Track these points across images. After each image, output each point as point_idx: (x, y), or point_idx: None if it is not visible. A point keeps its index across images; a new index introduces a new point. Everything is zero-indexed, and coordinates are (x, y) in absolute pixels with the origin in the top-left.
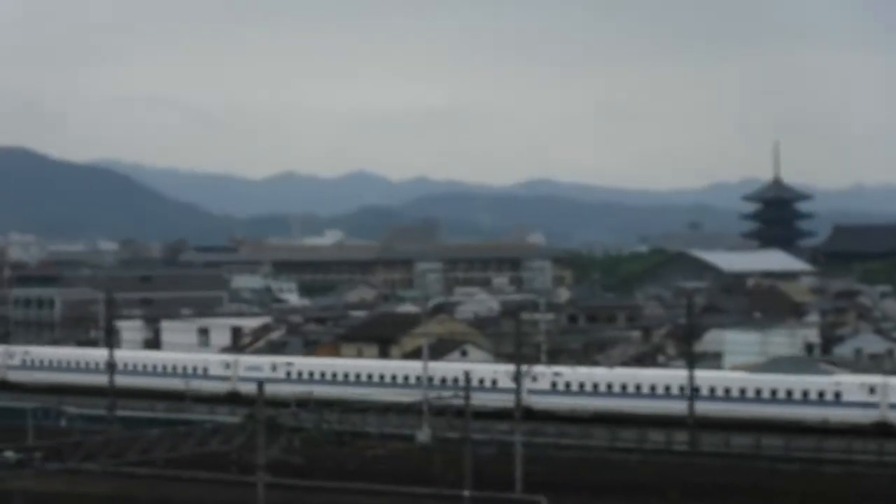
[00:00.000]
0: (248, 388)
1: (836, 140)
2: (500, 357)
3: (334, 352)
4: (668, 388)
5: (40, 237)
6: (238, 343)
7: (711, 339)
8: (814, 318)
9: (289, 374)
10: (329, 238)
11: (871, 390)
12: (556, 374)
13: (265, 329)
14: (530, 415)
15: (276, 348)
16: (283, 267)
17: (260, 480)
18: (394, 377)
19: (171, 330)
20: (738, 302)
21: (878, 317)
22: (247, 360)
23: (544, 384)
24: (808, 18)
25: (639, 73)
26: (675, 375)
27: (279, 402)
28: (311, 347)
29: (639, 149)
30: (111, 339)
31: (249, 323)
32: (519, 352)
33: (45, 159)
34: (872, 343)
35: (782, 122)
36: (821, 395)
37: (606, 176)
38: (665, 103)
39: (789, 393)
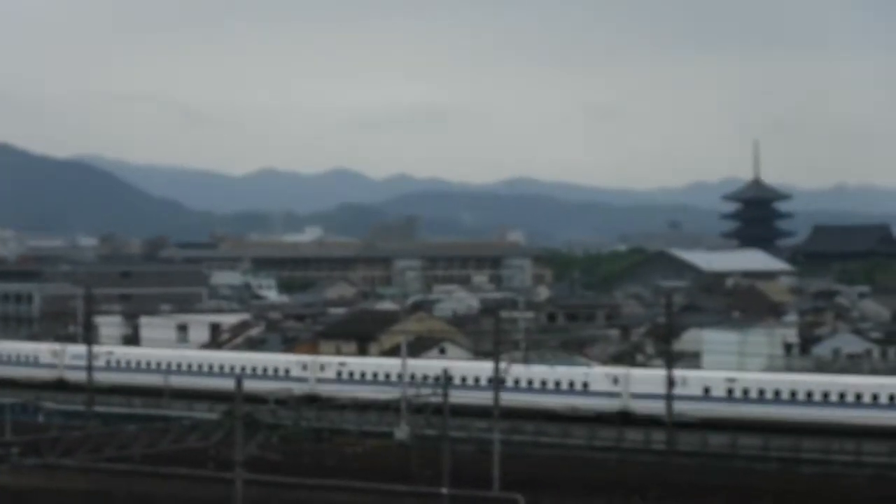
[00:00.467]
0: (74, 376)
1: (817, 140)
2: (479, 354)
3: (313, 349)
4: (425, 377)
5: (19, 232)
6: (217, 339)
7: (690, 339)
8: (792, 317)
9: (108, 362)
10: (309, 235)
11: (615, 381)
12: (342, 364)
13: (244, 325)
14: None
15: (254, 345)
16: (262, 263)
17: (238, 477)
18: (200, 366)
19: (149, 326)
20: (717, 301)
21: (856, 317)
22: (73, 349)
23: (331, 373)
24: (791, 20)
25: (621, 73)
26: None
27: (104, 389)
28: (289, 344)
29: (620, 148)
30: (90, 335)
31: (228, 319)
32: (497, 349)
33: (26, 154)
34: (850, 343)
35: (764, 122)
36: (571, 384)
37: (588, 175)
38: (647, 103)
39: (543, 383)
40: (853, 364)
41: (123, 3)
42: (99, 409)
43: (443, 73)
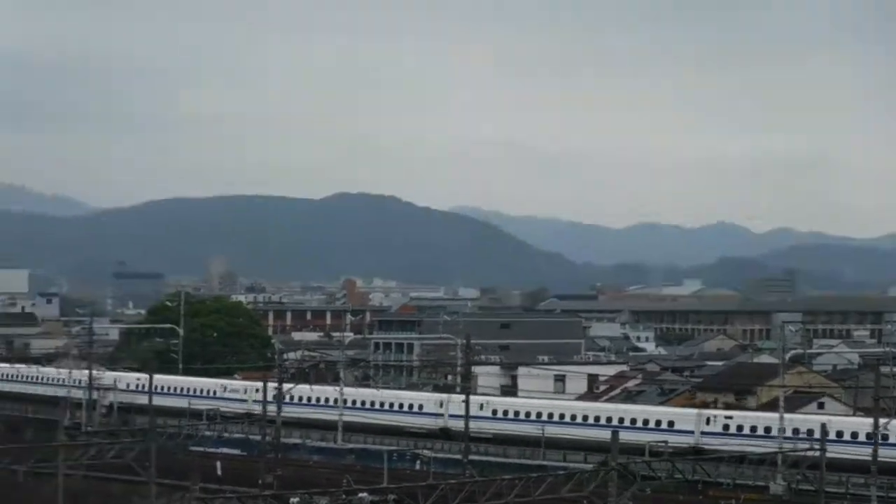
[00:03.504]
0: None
1: None
2: (859, 410)
3: (690, 401)
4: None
5: (402, 283)
6: (594, 390)
7: None
8: None
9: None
10: (688, 287)
11: None
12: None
13: (621, 377)
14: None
15: (631, 396)
16: (641, 315)
17: None
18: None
19: (527, 376)
20: None
21: None
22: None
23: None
24: None
25: None
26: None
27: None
28: (666, 396)
29: None
30: (468, 384)
31: (606, 370)
32: (877, 405)
33: (410, 206)
34: None
35: None
36: None
37: None
38: None
39: None
40: None
41: (501, 51)
42: (474, 457)
43: (824, 124)
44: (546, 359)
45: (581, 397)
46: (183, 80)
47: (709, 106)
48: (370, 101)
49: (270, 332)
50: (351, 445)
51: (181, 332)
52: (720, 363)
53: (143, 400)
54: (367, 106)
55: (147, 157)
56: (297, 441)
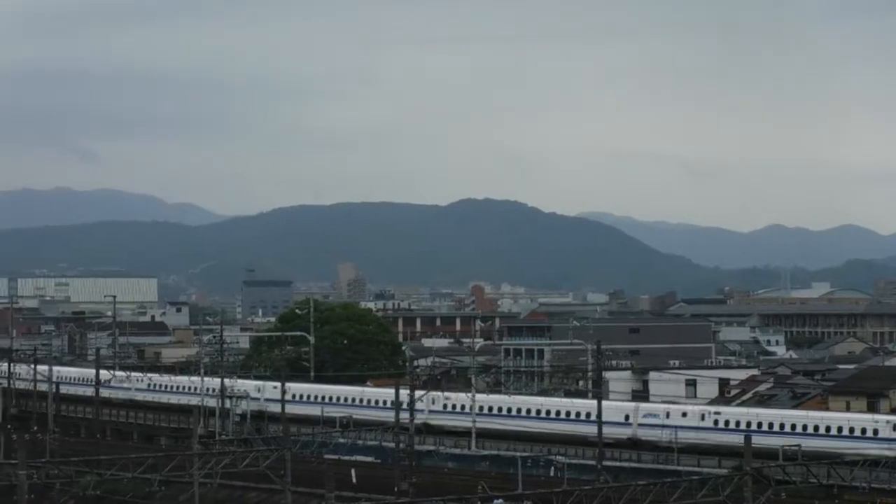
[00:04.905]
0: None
1: None
2: None
3: (822, 405)
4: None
5: (530, 289)
6: (725, 394)
7: None
8: None
9: None
10: (817, 290)
11: None
12: None
13: (752, 381)
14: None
15: (763, 401)
16: (770, 319)
17: None
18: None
19: (658, 381)
20: None
21: None
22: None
23: None
24: None
25: None
26: None
27: None
28: (798, 400)
29: None
30: (599, 390)
31: (736, 374)
32: None
33: (536, 212)
34: None
35: None
36: None
37: None
38: None
39: None
40: None
41: (625, 68)
42: (609, 463)
43: None
44: (677, 363)
45: (713, 402)
46: (309, 93)
47: (844, 110)
48: (498, 110)
49: (400, 338)
50: (485, 452)
51: (312, 339)
52: (852, 366)
53: (275, 408)
54: (494, 115)
55: (272, 166)
56: (432, 448)
